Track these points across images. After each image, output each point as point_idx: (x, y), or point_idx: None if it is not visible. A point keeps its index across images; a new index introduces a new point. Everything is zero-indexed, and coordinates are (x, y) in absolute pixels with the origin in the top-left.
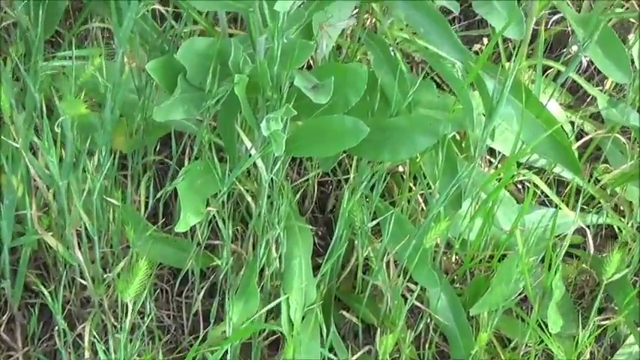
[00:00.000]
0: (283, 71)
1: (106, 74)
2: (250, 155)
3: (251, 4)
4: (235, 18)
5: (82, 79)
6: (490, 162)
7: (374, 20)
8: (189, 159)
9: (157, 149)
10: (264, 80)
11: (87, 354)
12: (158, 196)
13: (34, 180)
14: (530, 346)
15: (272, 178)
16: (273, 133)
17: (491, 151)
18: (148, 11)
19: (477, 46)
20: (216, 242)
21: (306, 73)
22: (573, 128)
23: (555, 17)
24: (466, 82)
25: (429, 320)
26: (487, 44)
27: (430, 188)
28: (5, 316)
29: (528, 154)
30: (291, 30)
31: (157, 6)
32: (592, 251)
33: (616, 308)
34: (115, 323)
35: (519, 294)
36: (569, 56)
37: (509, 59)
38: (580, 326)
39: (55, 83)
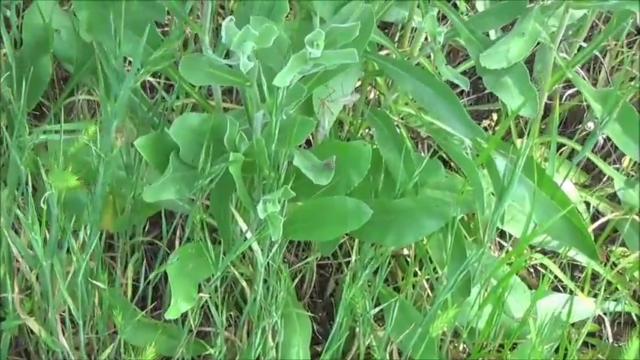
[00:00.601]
0: (282, 149)
1: (93, 149)
2: (246, 238)
3: (248, 79)
4: (230, 90)
5: (73, 149)
6: (501, 245)
7: (378, 94)
8: (181, 240)
9: (146, 229)
10: (262, 159)
11: None
12: (147, 279)
13: (16, 260)
14: None
15: (268, 262)
16: (270, 216)
17: (502, 234)
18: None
19: (486, 122)
20: (209, 329)
21: (306, 151)
22: (589, 209)
23: (570, 91)
24: (477, 162)
25: None
26: (497, 123)
27: (437, 273)
28: None
29: (541, 237)
30: (290, 106)
31: (148, 77)
32: (610, 340)
33: None
34: None
35: None
36: (584, 133)
37: (520, 136)
38: None
39: (39, 158)
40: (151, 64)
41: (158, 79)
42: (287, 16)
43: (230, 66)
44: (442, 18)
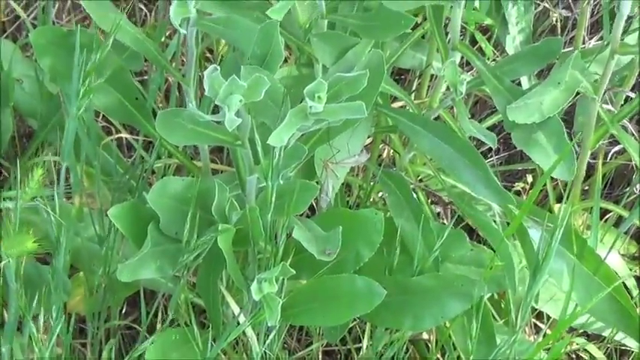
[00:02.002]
0: (279, 219)
1: (61, 217)
2: (239, 323)
3: (238, 137)
4: (220, 149)
5: (33, 218)
6: (537, 328)
7: (391, 153)
8: (163, 324)
9: (124, 311)
10: (256, 230)
11: None
12: None
13: None
14: None
15: (265, 351)
16: (267, 297)
17: (538, 315)
18: (112, 140)
19: (519, 184)
20: None
21: (308, 221)
22: (639, 285)
23: (616, 148)
24: (506, 233)
25: None
26: (533, 186)
27: None
28: None
29: (583, 318)
30: (288, 168)
31: (124, 134)
32: None
33: None
34: None
35: None
36: (633, 196)
37: (558, 200)
38: None
39: None
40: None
41: (135, 137)
42: (285, 62)
43: (218, 122)
44: (466, 64)
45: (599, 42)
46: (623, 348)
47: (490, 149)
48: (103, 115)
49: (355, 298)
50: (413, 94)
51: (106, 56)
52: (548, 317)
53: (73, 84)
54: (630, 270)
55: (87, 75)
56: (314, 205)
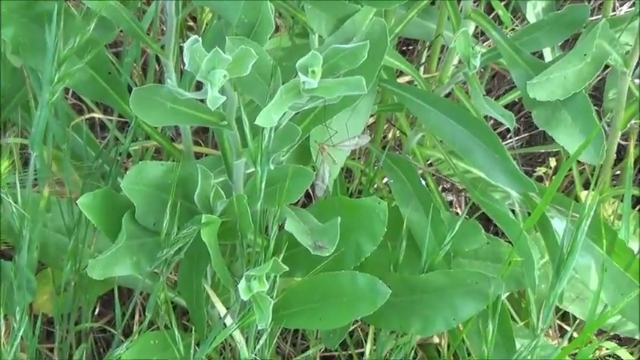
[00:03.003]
0: (270, 209)
1: (23, 207)
2: (225, 325)
3: (223, 117)
4: (204, 130)
5: None
6: (561, 330)
7: (397, 134)
8: (140, 326)
9: (97, 312)
10: (244, 222)
11: None
12: None
13: None
14: None
15: (255, 356)
16: (256, 297)
17: (563, 316)
18: (83, 120)
19: (541, 169)
20: None
21: (303, 211)
22: None
23: None
24: (526, 225)
25: None
26: (556, 170)
27: None
28: None
29: (613, 320)
30: (280, 152)
31: (96, 113)
32: None
33: None
34: None
35: None
36: None
37: (585, 187)
38: None
39: None
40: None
41: (109, 116)
42: (276, 32)
43: (201, 100)
44: (480, 34)
45: (631, 9)
46: None
47: (508, 130)
48: (73, 92)
49: (356, 297)
50: (421, 68)
51: (74, 26)
52: (575, 318)
53: (46, 69)
54: None
55: (63, 60)
56: (309, 192)
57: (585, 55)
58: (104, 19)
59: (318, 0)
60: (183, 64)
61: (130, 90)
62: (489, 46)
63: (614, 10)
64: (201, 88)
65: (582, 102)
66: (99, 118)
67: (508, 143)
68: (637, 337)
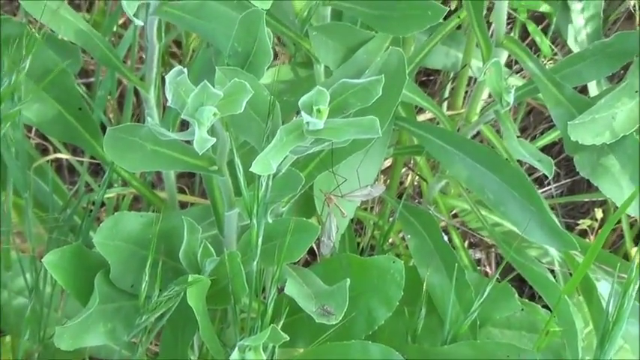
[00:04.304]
0: (268, 269)
1: None
2: None
3: (214, 161)
4: (190, 176)
5: None
6: None
7: (416, 181)
8: None
9: None
10: (237, 284)
11: None
12: None
13: None
14: None
15: None
16: None
17: None
18: (49, 162)
19: (584, 222)
20: None
21: (306, 271)
22: None
23: None
24: (567, 289)
25: None
26: (601, 223)
27: None
28: None
29: None
30: (280, 202)
31: (64, 154)
32: None
33: None
34: None
35: None
36: None
37: (636, 243)
38: None
39: None
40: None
41: (80, 158)
42: (275, 60)
43: (187, 141)
44: (514, 63)
45: None
46: None
47: (546, 176)
48: (37, 130)
49: None
50: (444, 104)
51: (38, 52)
52: None
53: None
54: None
55: (15, 87)
56: (314, 249)
57: (637, 91)
58: (71, 45)
59: (325, 25)
60: (166, 99)
61: (103, 129)
62: (524, 77)
63: None
64: (187, 128)
65: (632, 146)
66: (67, 160)
67: (546, 191)
68: None
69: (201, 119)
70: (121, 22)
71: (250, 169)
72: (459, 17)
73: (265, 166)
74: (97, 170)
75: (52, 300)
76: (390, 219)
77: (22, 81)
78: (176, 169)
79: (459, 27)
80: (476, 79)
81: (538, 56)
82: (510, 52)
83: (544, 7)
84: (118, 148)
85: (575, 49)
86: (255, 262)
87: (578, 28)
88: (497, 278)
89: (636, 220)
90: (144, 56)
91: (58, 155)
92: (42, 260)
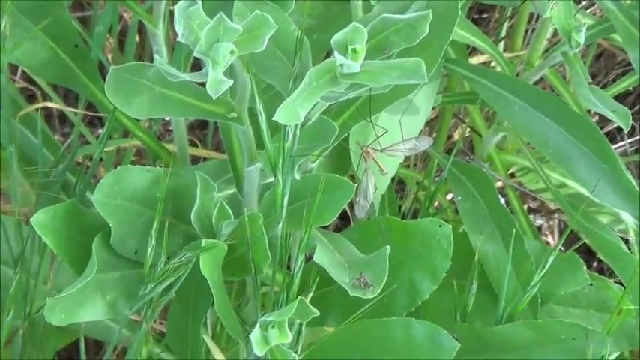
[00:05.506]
0: (294, 234)
1: None
2: None
3: (232, 107)
4: (204, 125)
5: None
6: None
7: (468, 134)
8: None
9: None
10: (258, 251)
11: None
12: None
13: None
14: None
15: None
16: (275, 352)
17: None
18: (38, 110)
19: None
20: None
21: (339, 237)
22: None
23: None
24: None
25: None
26: None
27: None
28: None
29: None
30: (309, 157)
31: (53, 103)
32: None
33: None
34: None
35: None
36: None
37: None
38: None
39: None
40: None
41: (75, 109)
42: None
43: (201, 83)
44: None
45: None
46: None
47: (620, 130)
48: (23, 72)
49: (412, 353)
50: (501, 44)
51: None
52: None
53: None
54: None
55: None
56: (347, 212)
57: None
58: None
59: None
60: (176, 35)
61: (101, 71)
62: (596, 14)
63: None
64: (200, 68)
65: None
66: (57, 109)
67: (619, 148)
68: None
69: (216, 58)
70: None
71: (274, 118)
72: None
73: (292, 115)
74: (92, 120)
75: (40, 270)
76: (437, 178)
77: (8, 13)
78: (188, 116)
79: None
80: (538, 16)
81: None
82: None
83: None
84: (121, 91)
85: None
86: (279, 226)
87: None
88: (561, 248)
89: None
90: None
91: (47, 103)
92: (30, 221)
